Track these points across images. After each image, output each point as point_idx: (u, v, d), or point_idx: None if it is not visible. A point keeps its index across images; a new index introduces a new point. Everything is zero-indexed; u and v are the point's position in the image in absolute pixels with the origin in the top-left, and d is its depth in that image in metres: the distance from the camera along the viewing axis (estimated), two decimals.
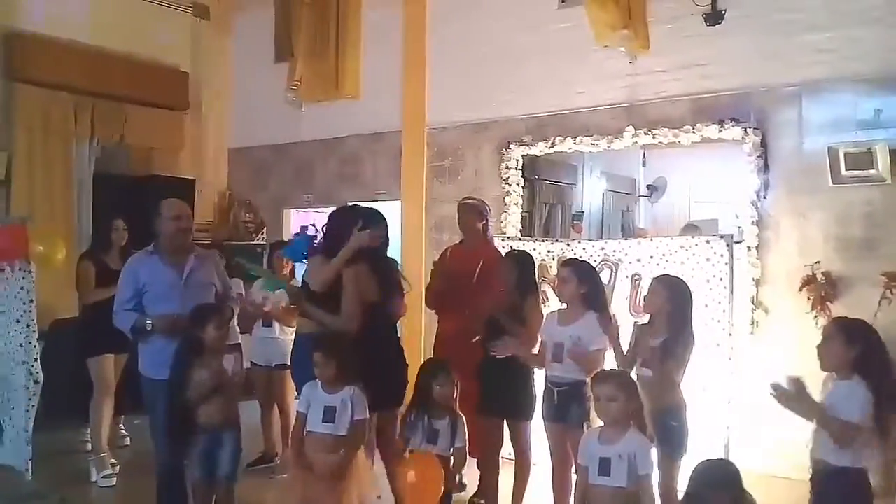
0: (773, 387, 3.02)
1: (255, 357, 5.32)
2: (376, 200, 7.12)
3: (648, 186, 9.22)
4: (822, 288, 4.90)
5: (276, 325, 5.17)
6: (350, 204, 4.47)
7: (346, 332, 3.82)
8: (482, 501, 4.55)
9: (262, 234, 7.77)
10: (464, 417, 3.85)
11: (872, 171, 4.85)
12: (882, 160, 4.82)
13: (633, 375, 3.88)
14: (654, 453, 3.18)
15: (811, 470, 3.09)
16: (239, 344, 5.47)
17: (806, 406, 2.98)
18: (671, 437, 3.69)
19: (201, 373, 3.59)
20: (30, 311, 4.49)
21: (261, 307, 5.21)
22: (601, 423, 3.22)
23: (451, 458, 3.79)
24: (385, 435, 4.02)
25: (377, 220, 4.18)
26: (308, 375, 3.72)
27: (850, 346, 2.96)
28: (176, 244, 4.08)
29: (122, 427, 5.75)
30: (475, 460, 4.73)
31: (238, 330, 5.46)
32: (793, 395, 2.98)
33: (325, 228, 4.22)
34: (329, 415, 3.51)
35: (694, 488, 2.73)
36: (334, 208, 4.36)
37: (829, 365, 3.05)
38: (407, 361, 4.21)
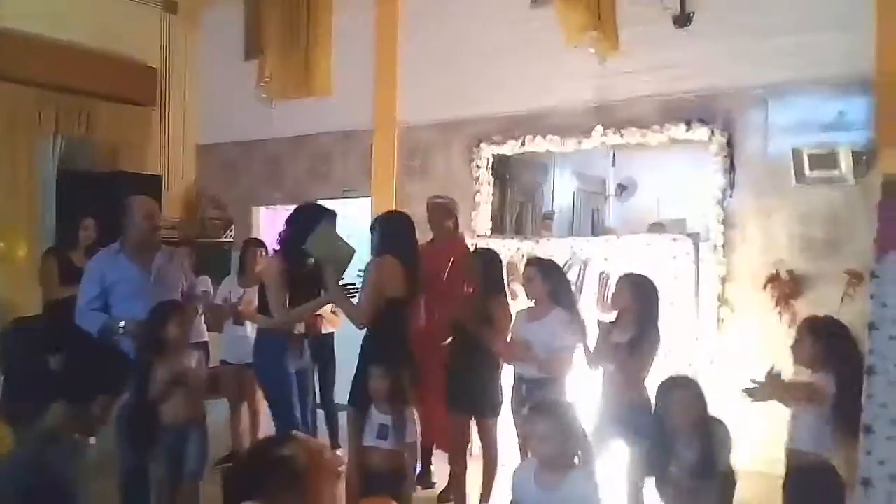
0: (745, 391, 3.10)
1: (225, 355, 5.28)
2: (346, 198, 7.11)
3: (618, 186, 9.30)
4: (785, 286, 4.98)
5: (248, 324, 5.13)
6: (314, 202, 4.42)
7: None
8: (451, 497, 4.56)
9: (231, 231, 7.69)
10: (413, 412, 3.67)
11: (836, 172, 4.94)
12: (845, 161, 4.91)
13: (600, 373, 3.93)
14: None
15: (786, 464, 3.15)
16: (206, 342, 5.44)
17: (781, 390, 3.07)
18: (635, 431, 3.72)
19: (163, 371, 3.54)
20: None
21: (233, 306, 5.17)
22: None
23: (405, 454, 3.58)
24: None
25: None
26: (274, 375, 3.71)
27: (819, 343, 3.05)
28: (145, 243, 4.04)
29: None
30: (446, 456, 4.77)
31: (205, 328, 5.42)
32: (767, 387, 3.05)
33: (287, 226, 4.17)
34: None
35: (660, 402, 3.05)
36: (298, 206, 4.32)
37: (800, 360, 3.13)
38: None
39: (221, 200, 7.76)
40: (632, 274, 4.06)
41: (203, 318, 5.41)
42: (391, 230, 3.98)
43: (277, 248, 4.11)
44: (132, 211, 4.01)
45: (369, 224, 4.20)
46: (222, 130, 7.92)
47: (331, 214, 4.12)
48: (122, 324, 3.85)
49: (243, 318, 5.11)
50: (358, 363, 3.84)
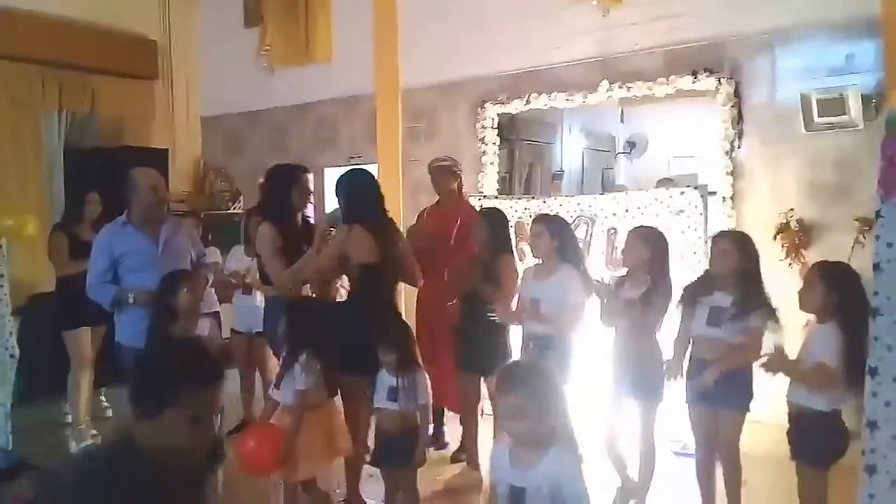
0: (762, 365, 3.14)
1: (235, 324, 5.32)
2: (353, 164, 7.09)
3: (627, 143, 9.19)
4: (795, 235, 4.93)
5: (257, 293, 5.15)
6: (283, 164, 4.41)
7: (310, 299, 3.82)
8: (463, 457, 4.60)
9: (239, 202, 7.70)
10: (424, 374, 3.58)
11: (844, 117, 4.85)
12: (854, 106, 4.82)
13: (612, 328, 3.92)
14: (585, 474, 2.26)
15: (788, 413, 3.15)
16: (217, 312, 5.48)
17: (786, 367, 3.09)
18: (649, 386, 3.73)
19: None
20: (1, 287, 4.44)
21: (240, 276, 5.20)
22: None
23: (418, 415, 3.53)
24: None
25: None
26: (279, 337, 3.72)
27: (829, 290, 3.02)
28: (152, 214, 4.05)
29: (104, 398, 5.75)
30: (457, 416, 4.81)
31: (216, 298, 5.45)
32: (775, 361, 3.08)
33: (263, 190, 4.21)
34: (278, 381, 3.54)
35: None
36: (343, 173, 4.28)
37: (809, 308, 3.10)
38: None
39: (228, 172, 7.77)
40: (640, 227, 4.02)
41: (213, 288, 5.45)
42: (354, 197, 3.91)
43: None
44: (137, 183, 4.02)
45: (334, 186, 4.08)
46: (225, 102, 7.90)
47: (302, 170, 4.19)
48: (130, 295, 3.87)
49: (251, 287, 5.13)
50: (349, 330, 3.75)
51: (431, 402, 3.64)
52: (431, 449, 4.98)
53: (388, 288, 4.01)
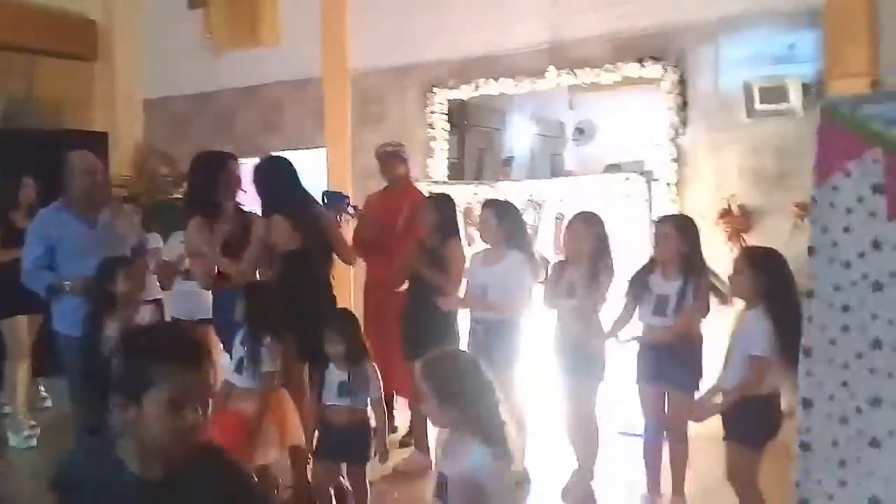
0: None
1: (177, 312, 5.21)
2: (300, 149, 6.99)
3: (576, 129, 9.27)
4: (737, 220, 5.03)
5: None
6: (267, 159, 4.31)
7: (269, 283, 3.76)
8: (412, 441, 4.61)
9: (182, 187, 7.52)
10: (374, 366, 3.49)
11: (785, 105, 4.96)
12: (794, 94, 4.93)
13: (554, 309, 3.97)
14: None
15: (721, 398, 3.23)
16: (160, 299, 5.36)
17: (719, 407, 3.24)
18: (590, 365, 3.79)
19: (114, 327, 3.48)
20: None
21: (180, 263, 5.08)
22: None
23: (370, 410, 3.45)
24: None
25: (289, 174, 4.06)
26: (229, 328, 3.66)
27: (757, 275, 3.09)
28: (89, 199, 3.93)
29: (42, 388, 5.59)
30: (407, 402, 4.82)
31: (157, 285, 5.33)
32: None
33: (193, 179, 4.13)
34: (239, 366, 3.48)
35: None
36: (259, 161, 4.21)
37: (739, 293, 3.17)
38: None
39: (171, 156, 7.58)
40: (581, 213, 4.07)
41: (155, 275, 5.33)
42: (271, 185, 3.88)
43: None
44: (72, 166, 3.90)
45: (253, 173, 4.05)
46: (169, 84, 7.69)
47: (229, 157, 4.11)
48: (67, 282, 3.76)
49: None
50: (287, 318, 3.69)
51: (383, 394, 3.54)
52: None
53: (318, 273, 3.99)
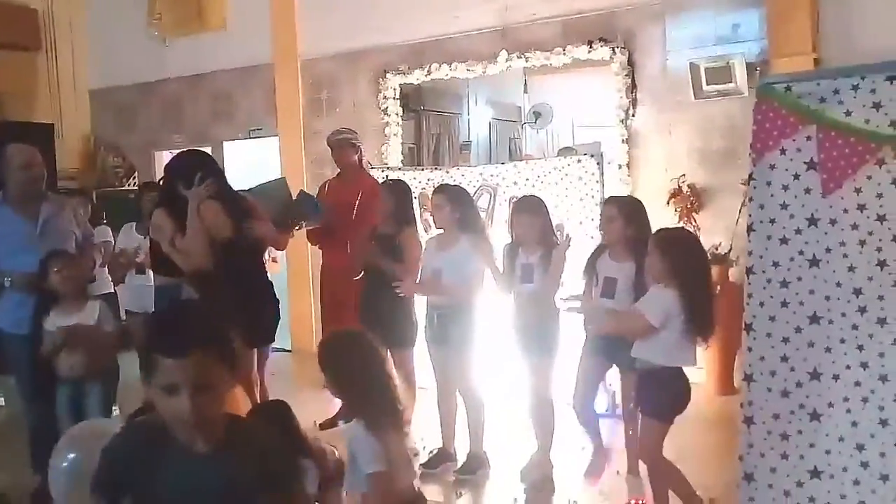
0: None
1: (130, 305, 5.14)
2: (253, 138, 6.90)
3: (532, 113, 9.29)
4: (687, 200, 5.11)
5: (150, 272, 4.97)
6: (186, 150, 4.22)
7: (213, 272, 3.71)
8: None
9: (134, 178, 7.39)
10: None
11: (731, 85, 5.04)
12: (739, 73, 5.00)
13: (512, 292, 3.99)
14: None
15: (637, 368, 3.32)
16: (113, 293, 5.27)
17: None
18: (544, 344, 3.82)
19: (55, 322, 3.41)
20: None
21: (132, 255, 5.00)
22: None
23: None
24: (253, 372, 3.91)
25: (213, 166, 4.00)
26: None
27: (664, 256, 3.13)
28: (27, 193, 3.82)
29: None
30: None
31: (109, 279, 5.24)
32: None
33: (164, 179, 4.01)
34: None
35: None
36: (175, 155, 4.15)
37: (653, 275, 3.22)
38: (277, 297, 4.11)
39: (120, 147, 7.43)
40: (524, 197, 4.09)
41: (107, 269, 5.24)
42: (199, 174, 3.78)
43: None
44: (9, 160, 3.78)
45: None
46: (115, 73, 7.53)
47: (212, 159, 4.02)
48: (7, 278, 3.67)
49: (144, 266, 4.95)
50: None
51: None
52: (341, 423, 4.99)
53: (255, 260, 3.99)
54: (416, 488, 2.48)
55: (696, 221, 5.09)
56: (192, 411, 1.60)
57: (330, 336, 2.55)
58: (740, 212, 4.83)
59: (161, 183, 4.22)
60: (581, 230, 4.75)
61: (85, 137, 7.59)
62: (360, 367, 2.35)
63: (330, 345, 2.45)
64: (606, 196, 4.91)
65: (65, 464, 2.65)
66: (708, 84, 5.10)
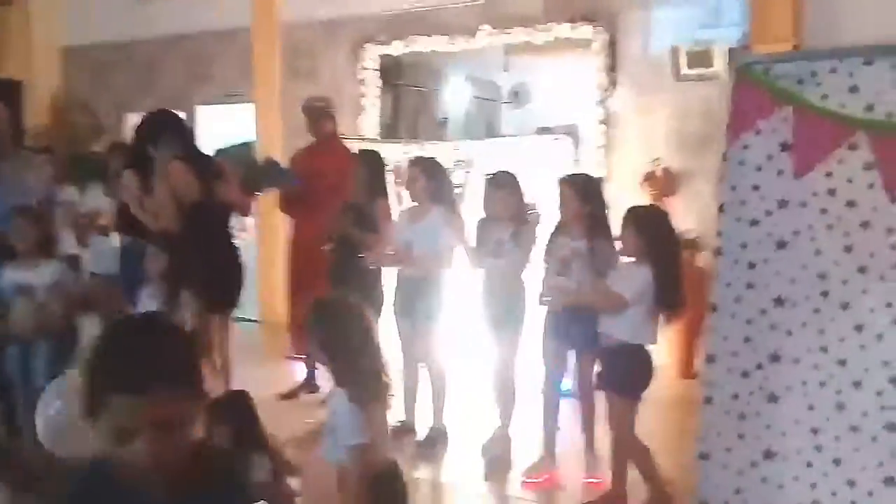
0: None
1: (94, 267, 5.03)
2: (228, 103, 6.78)
3: (512, 92, 9.24)
4: (661, 183, 5.11)
5: (115, 235, 4.88)
6: (155, 111, 4.14)
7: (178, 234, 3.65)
8: None
9: (103, 139, 7.23)
10: (185, 296, 3.44)
11: (711, 70, 5.04)
12: (720, 58, 5.00)
13: (481, 268, 3.96)
14: None
15: (601, 345, 3.34)
16: (77, 255, 5.17)
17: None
18: (510, 320, 3.82)
19: (9, 277, 3.34)
20: None
21: (96, 217, 4.90)
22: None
23: None
24: (216, 337, 3.88)
25: (181, 127, 3.94)
26: (133, 284, 3.56)
27: (639, 233, 3.14)
28: None
29: None
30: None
31: (73, 240, 5.14)
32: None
33: (134, 139, 3.95)
34: None
35: None
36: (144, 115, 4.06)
37: (626, 250, 3.23)
38: (242, 263, 4.06)
39: (91, 107, 7.26)
40: (497, 173, 4.05)
41: (72, 229, 5.12)
42: (168, 135, 3.76)
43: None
44: None
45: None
46: (90, 31, 7.33)
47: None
48: None
49: (107, 228, 4.86)
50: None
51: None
52: (303, 392, 4.97)
53: (221, 224, 3.95)
54: (392, 459, 2.40)
55: (669, 205, 5.08)
56: (152, 457, 1.26)
57: (321, 300, 2.40)
58: (713, 197, 4.86)
59: (132, 142, 4.12)
60: (554, 209, 4.73)
61: (55, 96, 7.41)
62: (349, 335, 2.24)
63: (320, 309, 2.32)
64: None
65: (51, 412, 2.64)
66: (688, 68, 5.09)
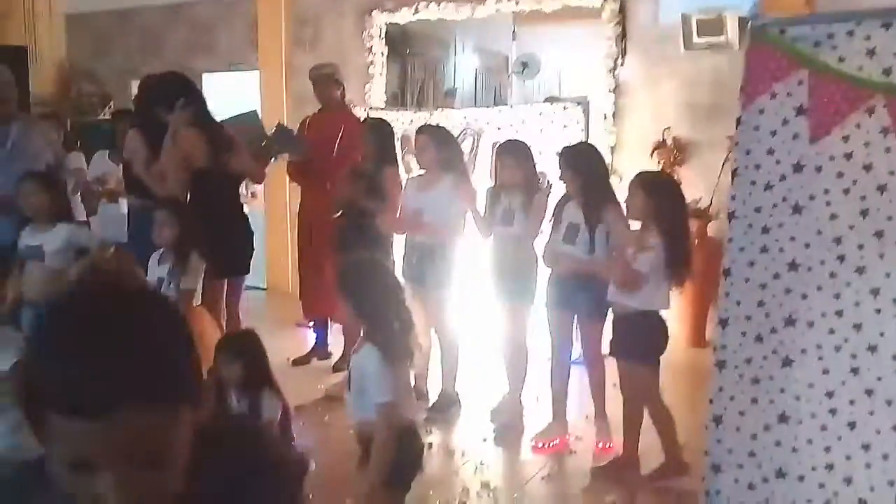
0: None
1: (102, 234, 5.03)
2: (233, 71, 6.74)
3: (520, 63, 9.16)
4: (671, 152, 5.09)
5: (123, 202, 4.88)
6: (168, 73, 4.08)
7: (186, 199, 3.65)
8: (346, 366, 4.59)
9: (109, 107, 7.21)
10: (196, 261, 3.42)
11: (722, 38, 4.99)
12: (731, 27, 4.95)
13: (491, 236, 3.97)
14: None
15: (612, 313, 3.41)
16: (86, 222, 5.18)
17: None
18: (521, 289, 3.83)
19: (24, 241, 3.35)
20: None
21: (104, 183, 4.90)
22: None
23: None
24: (227, 304, 3.88)
25: (196, 92, 3.90)
26: (143, 248, 3.56)
27: (649, 197, 3.17)
28: None
29: None
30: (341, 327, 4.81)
31: (83, 207, 5.15)
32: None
33: (138, 99, 3.92)
34: (158, 286, 3.39)
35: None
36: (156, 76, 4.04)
37: (634, 214, 3.24)
38: (252, 229, 4.06)
39: (96, 75, 7.23)
40: (508, 141, 4.05)
41: (79, 197, 5.13)
42: (182, 100, 3.71)
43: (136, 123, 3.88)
44: None
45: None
46: None
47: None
48: None
49: (117, 196, 4.86)
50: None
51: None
52: (314, 359, 5.00)
53: (230, 190, 3.93)
54: (411, 419, 2.48)
55: (678, 174, 5.07)
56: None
57: (354, 260, 2.49)
58: (723, 167, 4.83)
59: (136, 102, 4.08)
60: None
61: (60, 64, 7.36)
62: (382, 294, 2.32)
63: (354, 269, 2.41)
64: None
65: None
66: (699, 36, 5.04)
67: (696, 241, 4.58)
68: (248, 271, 4.02)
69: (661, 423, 3.30)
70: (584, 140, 4.79)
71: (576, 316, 3.69)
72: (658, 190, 3.21)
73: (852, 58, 2.29)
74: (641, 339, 3.23)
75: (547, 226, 3.84)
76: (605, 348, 3.59)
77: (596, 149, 3.92)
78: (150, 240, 3.45)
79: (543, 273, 3.86)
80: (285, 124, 4.92)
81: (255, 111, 5.04)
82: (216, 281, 3.65)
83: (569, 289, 3.61)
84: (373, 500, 2.32)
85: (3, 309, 3.40)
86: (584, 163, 3.61)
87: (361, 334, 2.40)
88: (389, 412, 2.26)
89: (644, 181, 3.24)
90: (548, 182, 3.94)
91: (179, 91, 3.69)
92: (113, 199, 4.94)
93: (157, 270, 3.45)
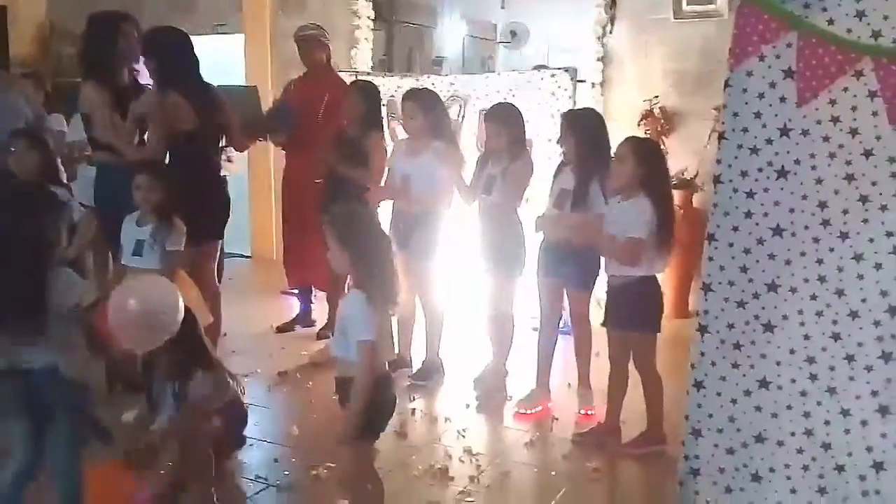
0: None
1: (82, 198, 4.95)
2: (215, 34, 6.62)
3: (509, 32, 9.07)
4: (658, 122, 5.06)
5: None
6: (158, 29, 3.96)
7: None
8: (329, 333, 4.58)
9: None
10: (179, 223, 3.42)
11: (711, 7, 4.94)
12: None
13: (476, 203, 3.94)
14: None
15: (607, 284, 3.37)
16: (68, 185, 5.09)
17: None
18: (508, 259, 3.81)
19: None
20: None
21: (83, 147, 4.80)
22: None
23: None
24: (202, 269, 3.80)
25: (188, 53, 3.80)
26: (112, 208, 3.51)
27: (639, 163, 3.16)
28: None
29: None
30: (325, 294, 4.79)
31: (63, 171, 5.05)
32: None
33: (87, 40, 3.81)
34: (138, 248, 3.35)
35: None
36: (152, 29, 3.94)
37: (620, 180, 3.21)
38: (228, 195, 4.00)
39: (77, 35, 7.06)
40: (497, 105, 4.00)
41: (59, 160, 5.03)
42: (166, 58, 3.65)
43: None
44: None
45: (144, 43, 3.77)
46: None
47: (125, 17, 3.84)
48: None
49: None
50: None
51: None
52: (298, 327, 4.98)
53: (211, 155, 3.89)
54: (387, 370, 2.54)
55: (664, 144, 5.05)
56: None
57: (346, 209, 2.58)
58: (709, 138, 4.81)
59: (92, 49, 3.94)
60: (551, 146, 4.68)
61: (40, 24, 7.20)
62: (371, 242, 2.43)
63: (346, 216, 2.48)
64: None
65: None
66: (688, 4, 4.99)
67: (682, 211, 4.57)
68: (222, 236, 3.96)
69: (651, 391, 3.32)
70: (572, 107, 4.76)
71: (566, 284, 3.69)
72: (649, 157, 3.20)
73: (841, 20, 2.27)
74: (642, 307, 3.24)
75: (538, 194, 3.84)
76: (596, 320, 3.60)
77: (599, 115, 3.88)
78: (122, 199, 3.38)
79: (534, 242, 3.84)
80: (284, 102, 4.81)
81: (255, 87, 4.96)
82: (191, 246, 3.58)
83: (558, 257, 3.60)
84: (343, 447, 2.44)
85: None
86: (582, 127, 3.59)
87: (349, 283, 2.49)
88: (370, 351, 2.35)
89: (635, 147, 3.22)
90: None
91: (174, 50, 3.63)
92: (92, 162, 4.84)
93: (136, 232, 3.40)
